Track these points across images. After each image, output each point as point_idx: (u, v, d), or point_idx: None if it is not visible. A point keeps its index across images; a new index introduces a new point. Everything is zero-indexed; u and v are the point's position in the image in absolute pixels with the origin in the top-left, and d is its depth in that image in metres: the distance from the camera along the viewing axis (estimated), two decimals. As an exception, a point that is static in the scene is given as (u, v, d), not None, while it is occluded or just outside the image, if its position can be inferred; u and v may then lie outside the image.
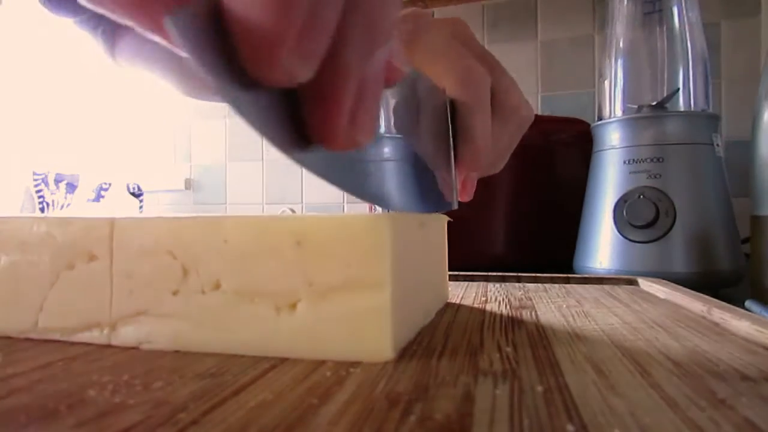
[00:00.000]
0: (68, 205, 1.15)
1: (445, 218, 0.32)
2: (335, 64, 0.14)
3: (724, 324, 0.26)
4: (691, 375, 0.17)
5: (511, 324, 0.26)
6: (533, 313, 0.29)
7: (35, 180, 1.11)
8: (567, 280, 0.44)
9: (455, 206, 0.32)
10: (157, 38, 0.15)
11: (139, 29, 0.15)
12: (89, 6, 0.15)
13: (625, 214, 0.54)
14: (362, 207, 1.09)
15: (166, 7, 0.12)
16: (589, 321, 0.27)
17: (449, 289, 0.36)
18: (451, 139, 0.32)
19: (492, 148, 0.33)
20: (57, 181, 1.14)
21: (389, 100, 0.25)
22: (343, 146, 0.16)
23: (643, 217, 0.52)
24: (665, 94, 0.56)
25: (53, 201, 1.13)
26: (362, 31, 0.14)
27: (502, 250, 0.70)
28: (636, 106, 0.57)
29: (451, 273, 0.39)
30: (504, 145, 0.36)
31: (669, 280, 0.41)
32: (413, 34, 0.34)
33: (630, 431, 0.13)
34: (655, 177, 0.53)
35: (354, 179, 0.20)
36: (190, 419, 0.14)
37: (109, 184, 1.20)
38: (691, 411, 0.14)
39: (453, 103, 0.33)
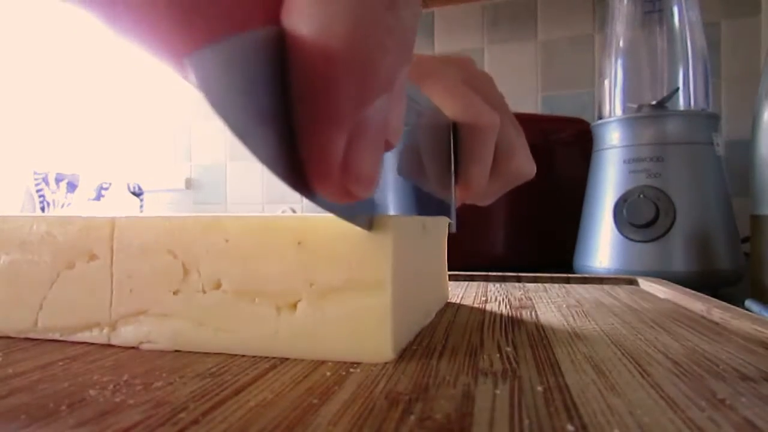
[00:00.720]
0: (68, 204, 1.15)
1: (447, 220, 0.32)
2: (327, 108, 0.13)
3: (724, 324, 0.26)
4: (691, 375, 0.17)
5: (511, 324, 0.26)
6: (533, 313, 0.29)
7: (36, 179, 1.11)
8: (567, 280, 0.44)
9: (454, 230, 0.32)
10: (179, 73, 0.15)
11: (162, 63, 0.15)
12: (110, 26, 0.15)
13: (625, 213, 0.54)
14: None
15: (191, 47, 0.11)
16: (589, 321, 0.27)
17: (449, 289, 0.36)
18: (453, 165, 0.32)
19: (485, 190, 0.34)
20: (57, 181, 1.14)
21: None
22: (336, 196, 0.14)
23: (643, 216, 0.52)
24: (665, 94, 0.56)
25: (53, 200, 1.13)
26: (358, 77, 0.13)
27: (502, 250, 0.70)
28: (636, 106, 0.57)
29: (451, 273, 0.39)
30: (497, 189, 0.36)
31: (669, 280, 0.41)
32: (419, 79, 0.33)
33: (630, 431, 0.13)
34: (655, 176, 0.53)
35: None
36: (191, 419, 0.14)
37: (110, 184, 1.20)
38: (691, 411, 0.14)
39: (456, 127, 0.33)
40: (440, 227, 0.31)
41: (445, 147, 0.32)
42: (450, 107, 0.33)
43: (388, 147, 0.16)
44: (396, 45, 0.13)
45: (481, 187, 0.33)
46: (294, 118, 0.14)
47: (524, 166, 0.36)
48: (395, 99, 0.15)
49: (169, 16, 0.14)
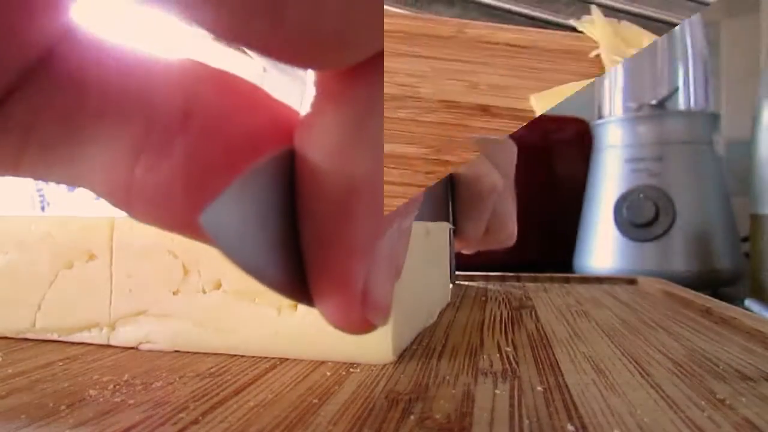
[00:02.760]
0: (69, 204, 1.15)
1: (448, 225, 0.32)
2: (349, 239, 0.13)
3: (724, 324, 0.26)
4: (691, 375, 0.17)
5: (511, 324, 0.26)
6: (533, 313, 0.29)
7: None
8: (567, 280, 0.44)
9: (453, 282, 0.34)
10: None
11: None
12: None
13: (625, 212, 0.54)
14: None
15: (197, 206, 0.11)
16: (589, 321, 0.27)
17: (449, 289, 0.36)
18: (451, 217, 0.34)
19: (476, 244, 0.39)
20: (57, 180, 1.14)
21: None
22: (354, 326, 0.14)
23: (643, 215, 0.52)
24: (665, 94, 0.56)
25: (54, 201, 1.13)
26: (378, 209, 0.13)
27: (501, 250, 0.70)
28: (636, 105, 0.57)
29: (451, 272, 0.39)
30: (480, 246, 0.41)
31: (669, 279, 0.41)
32: None
33: (630, 431, 0.13)
34: (655, 176, 0.53)
35: None
36: (191, 419, 0.14)
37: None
38: (691, 411, 0.14)
39: (454, 182, 0.34)
40: (443, 232, 0.31)
41: (443, 195, 0.33)
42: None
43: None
44: None
45: (476, 242, 0.37)
46: (305, 246, 0.14)
47: (512, 236, 0.40)
48: (403, 233, 0.15)
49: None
